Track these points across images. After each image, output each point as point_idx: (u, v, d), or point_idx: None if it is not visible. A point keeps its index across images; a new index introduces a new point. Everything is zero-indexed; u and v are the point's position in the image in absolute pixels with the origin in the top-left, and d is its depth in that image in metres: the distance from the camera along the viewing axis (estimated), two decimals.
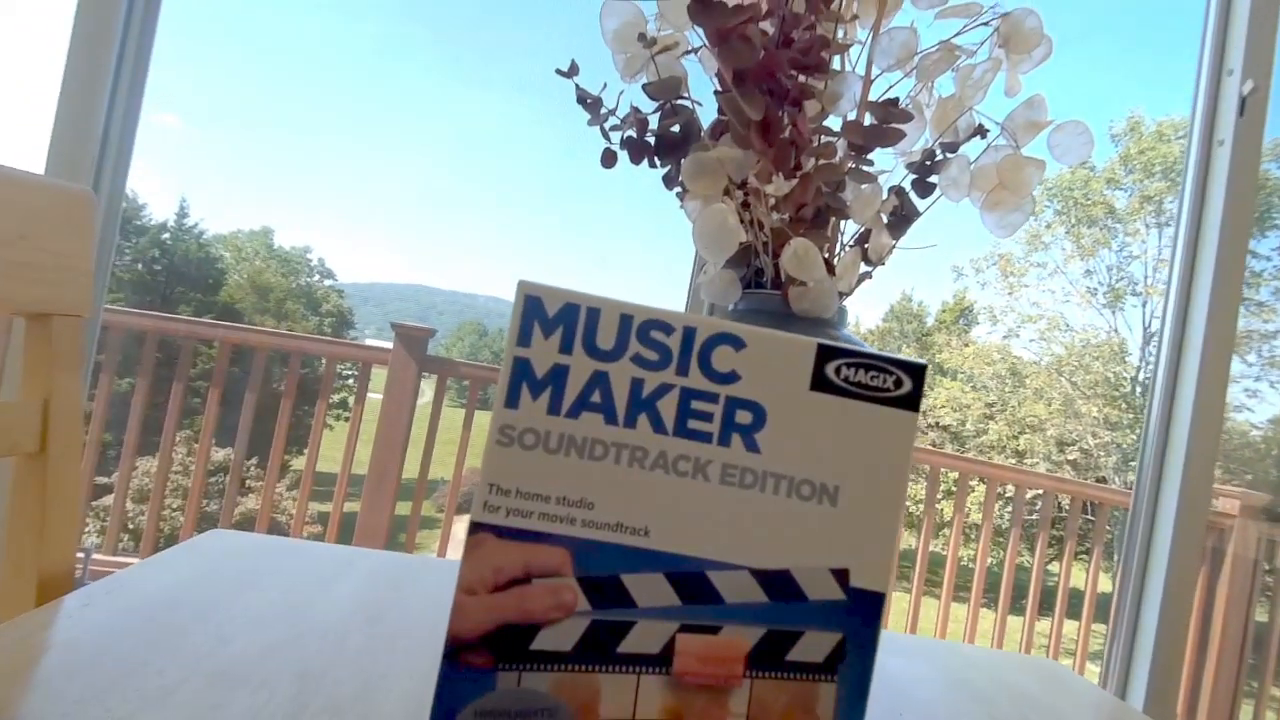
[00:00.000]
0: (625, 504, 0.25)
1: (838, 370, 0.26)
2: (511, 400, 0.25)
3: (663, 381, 0.25)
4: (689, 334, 0.26)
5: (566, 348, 0.25)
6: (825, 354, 0.26)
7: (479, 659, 0.24)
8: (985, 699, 0.62)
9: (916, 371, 0.26)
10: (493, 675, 0.24)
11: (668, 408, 0.25)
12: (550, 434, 0.25)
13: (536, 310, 0.25)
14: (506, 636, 0.24)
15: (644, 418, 0.25)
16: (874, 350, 0.26)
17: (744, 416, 0.26)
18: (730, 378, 0.26)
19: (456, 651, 0.24)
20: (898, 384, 0.26)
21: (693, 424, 0.26)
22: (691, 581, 0.25)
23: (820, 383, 0.26)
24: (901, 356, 0.27)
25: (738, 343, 0.26)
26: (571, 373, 0.25)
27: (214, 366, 2.60)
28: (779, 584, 0.26)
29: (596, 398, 0.25)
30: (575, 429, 0.25)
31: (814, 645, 0.26)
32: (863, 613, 0.26)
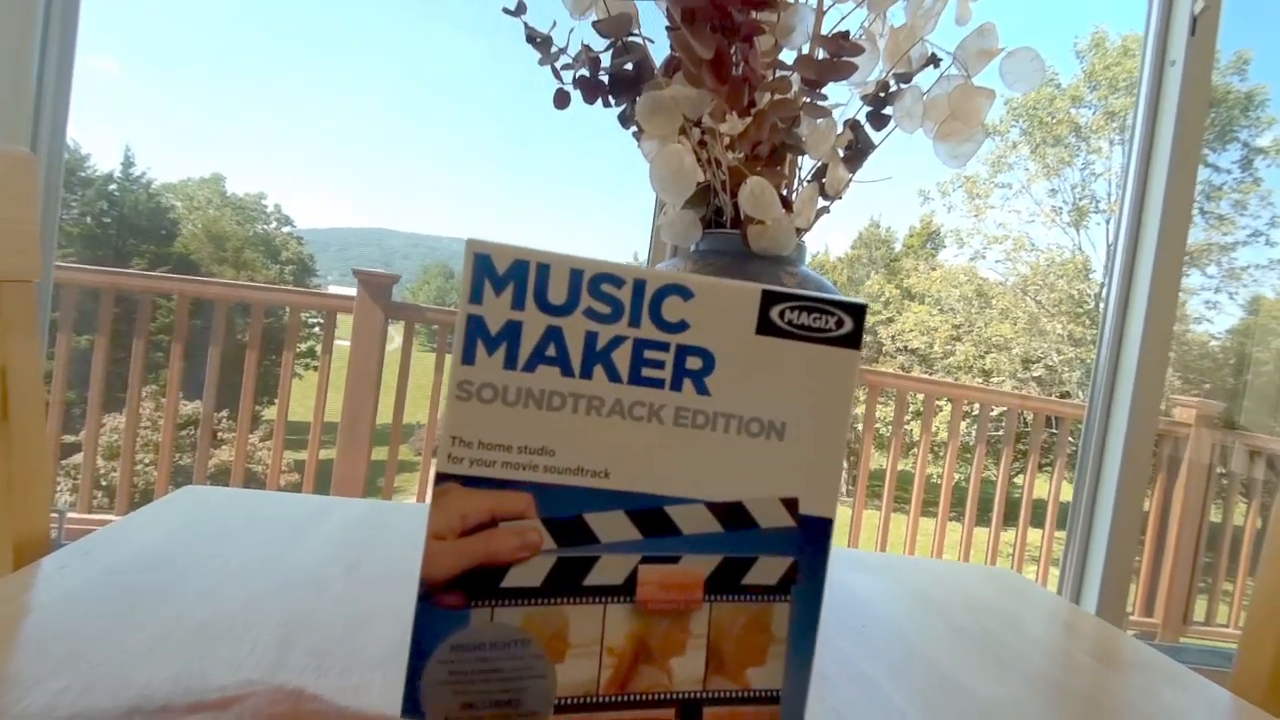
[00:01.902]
0: (584, 449, 0.26)
1: (781, 314, 0.27)
2: (468, 357, 0.25)
3: (616, 334, 0.26)
4: (639, 286, 0.27)
5: (519, 303, 0.26)
6: (769, 299, 0.27)
7: (452, 598, 0.26)
8: (943, 609, 0.66)
9: (857, 311, 0.28)
10: (467, 612, 0.26)
11: (622, 358, 0.26)
12: (508, 388, 0.26)
13: (486, 268, 0.25)
14: (477, 576, 0.26)
15: (599, 369, 0.26)
16: (816, 293, 0.28)
17: (694, 362, 0.27)
18: (680, 326, 0.27)
19: (430, 592, 0.26)
20: (839, 324, 0.28)
21: (646, 372, 0.27)
22: (651, 516, 0.27)
23: (765, 326, 0.27)
24: (842, 298, 0.28)
25: (686, 293, 0.27)
26: (525, 328, 0.26)
27: (174, 320, 2.56)
28: (733, 514, 0.27)
29: (552, 351, 0.26)
30: (532, 382, 0.26)
31: (768, 569, 0.28)
32: (812, 537, 0.28)
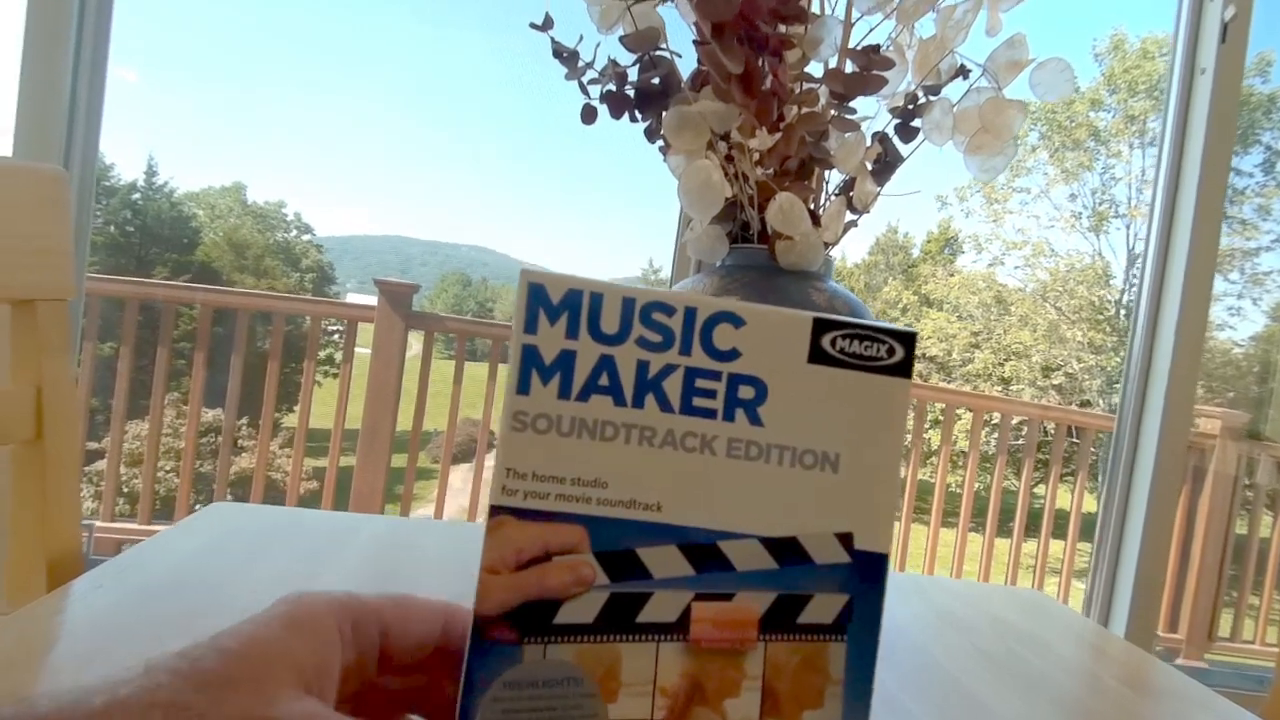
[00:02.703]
0: (637, 481, 0.26)
1: (833, 342, 0.27)
2: (523, 387, 0.25)
3: (667, 362, 0.26)
4: (690, 314, 0.26)
5: (572, 333, 0.25)
6: (821, 327, 0.27)
7: (505, 634, 0.25)
8: (970, 630, 0.65)
9: (908, 340, 0.27)
10: (519, 648, 0.25)
11: (673, 387, 0.26)
12: (562, 418, 0.25)
13: (540, 298, 0.25)
14: (530, 612, 0.25)
15: (651, 398, 0.26)
16: (866, 320, 0.27)
17: (746, 392, 0.26)
18: (731, 355, 0.26)
19: (483, 627, 0.25)
20: (890, 352, 0.27)
21: (698, 401, 0.26)
22: (704, 552, 0.26)
23: (817, 355, 0.27)
24: (893, 326, 0.27)
25: (737, 320, 0.26)
26: (579, 357, 0.25)
27: (196, 329, 2.58)
28: (787, 550, 0.27)
29: (604, 381, 0.26)
30: (585, 412, 0.26)
31: (823, 607, 0.27)
32: (868, 574, 0.27)
